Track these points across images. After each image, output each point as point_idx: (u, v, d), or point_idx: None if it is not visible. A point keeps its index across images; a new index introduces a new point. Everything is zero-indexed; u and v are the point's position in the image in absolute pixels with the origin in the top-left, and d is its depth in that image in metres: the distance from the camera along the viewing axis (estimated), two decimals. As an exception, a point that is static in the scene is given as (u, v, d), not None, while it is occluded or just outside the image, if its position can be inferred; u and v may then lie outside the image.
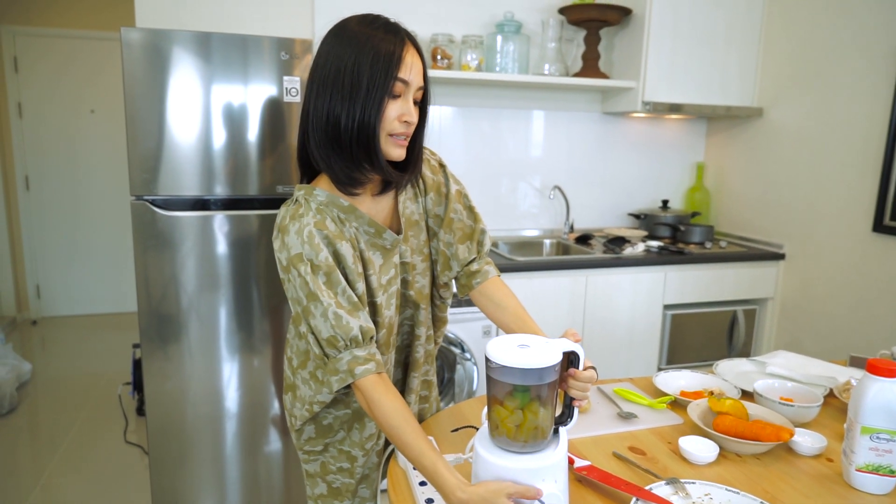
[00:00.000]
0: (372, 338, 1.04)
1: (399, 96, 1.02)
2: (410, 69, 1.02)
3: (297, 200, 1.08)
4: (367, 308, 1.10)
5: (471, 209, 1.25)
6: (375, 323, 1.13)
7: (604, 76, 2.75)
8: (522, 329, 1.18)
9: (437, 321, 1.32)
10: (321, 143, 1.04)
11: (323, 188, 1.10)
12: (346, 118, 1.00)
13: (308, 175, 1.15)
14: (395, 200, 1.19)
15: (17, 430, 2.91)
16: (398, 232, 1.17)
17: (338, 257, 1.05)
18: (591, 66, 2.76)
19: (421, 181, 1.21)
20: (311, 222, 1.04)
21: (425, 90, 1.08)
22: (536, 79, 2.60)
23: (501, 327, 1.22)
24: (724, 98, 2.81)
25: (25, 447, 2.76)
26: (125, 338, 4.21)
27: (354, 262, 1.07)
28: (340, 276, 1.03)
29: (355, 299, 1.04)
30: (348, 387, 1.05)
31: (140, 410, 3.07)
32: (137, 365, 2.98)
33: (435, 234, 1.23)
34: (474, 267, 1.24)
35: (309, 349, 1.17)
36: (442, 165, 1.25)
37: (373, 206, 1.15)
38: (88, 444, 2.78)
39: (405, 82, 1.02)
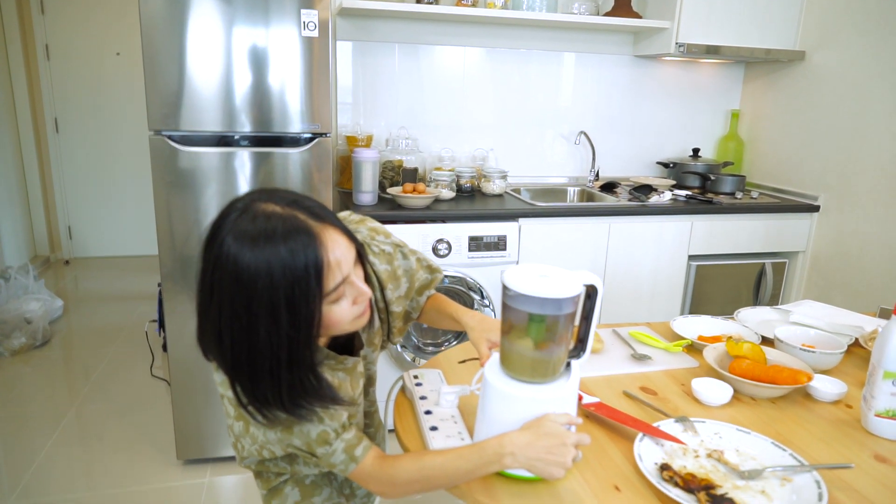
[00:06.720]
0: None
1: (340, 298, 0.84)
2: (337, 266, 0.81)
3: None
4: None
5: (404, 255, 1.15)
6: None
7: (636, 16, 2.62)
8: (439, 306, 1.17)
9: None
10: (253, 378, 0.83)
11: None
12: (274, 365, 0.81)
13: None
14: None
15: (52, 362, 3.03)
16: (361, 345, 1.04)
17: None
18: (622, 4, 2.63)
19: (375, 276, 1.09)
20: None
21: (361, 255, 0.89)
22: (565, 17, 2.49)
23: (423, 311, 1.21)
24: (764, 40, 2.67)
25: (59, 376, 2.87)
26: (153, 278, 4.30)
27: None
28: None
29: None
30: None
31: (165, 347, 3.15)
32: (163, 303, 3.04)
33: (392, 300, 1.13)
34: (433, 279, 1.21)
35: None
36: (376, 251, 1.12)
37: None
38: (117, 376, 2.88)
39: (339, 283, 0.82)
